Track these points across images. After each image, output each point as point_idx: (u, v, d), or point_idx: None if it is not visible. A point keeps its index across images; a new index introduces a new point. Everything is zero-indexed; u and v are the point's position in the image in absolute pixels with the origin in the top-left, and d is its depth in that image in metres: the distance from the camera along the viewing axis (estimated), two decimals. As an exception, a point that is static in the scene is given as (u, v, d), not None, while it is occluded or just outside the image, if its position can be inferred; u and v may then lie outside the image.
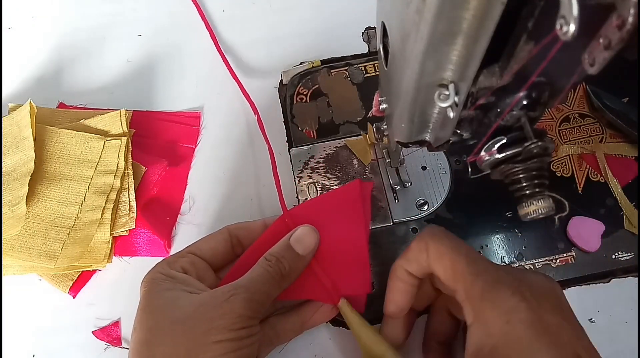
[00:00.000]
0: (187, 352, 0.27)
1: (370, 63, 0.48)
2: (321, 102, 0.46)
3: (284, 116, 0.46)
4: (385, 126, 0.35)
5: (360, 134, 0.44)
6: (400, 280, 0.32)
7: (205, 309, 0.28)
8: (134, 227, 0.40)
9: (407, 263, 0.31)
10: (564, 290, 0.28)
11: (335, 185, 0.42)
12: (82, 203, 0.39)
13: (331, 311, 0.35)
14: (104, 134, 0.42)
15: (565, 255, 0.39)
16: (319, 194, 0.41)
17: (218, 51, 0.49)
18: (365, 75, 0.47)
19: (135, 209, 0.41)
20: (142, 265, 0.41)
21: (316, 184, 0.42)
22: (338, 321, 0.38)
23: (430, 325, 0.35)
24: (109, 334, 0.38)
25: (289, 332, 0.35)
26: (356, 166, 0.42)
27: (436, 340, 0.34)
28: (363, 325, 0.33)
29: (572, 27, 0.15)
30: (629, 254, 0.39)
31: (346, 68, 0.48)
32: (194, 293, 0.30)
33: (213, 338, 0.27)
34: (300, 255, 0.33)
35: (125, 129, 0.43)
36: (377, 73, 0.47)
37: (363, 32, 0.50)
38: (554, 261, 0.39)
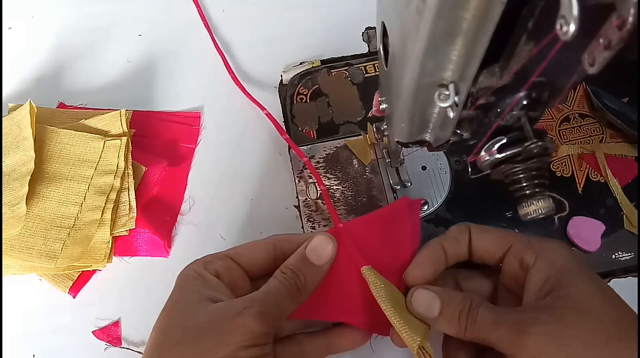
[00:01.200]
0: None
1: (370, 63, 0.48)
2: (321, 102, 0.46)
3: (284, 116, 0.46)
4: (385, 126, 0.35)
5: (360, 134, 0.44)
6: (433, 251, 0.32)
7: (218, 321, 0.27)
8: (134, 227, 0.40)
9: (445, 239, 0.32)
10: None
11: (335, 185, 0.42)
12: (82, 203, 0.39)
13: (362, 338, 0.34)
14: (104, 134, 0.42)
15: (565, 255, 0.39)
16: (318, 194, 0.41)
17: (219, 52, 0.49)
18: (365, 75, 0.47)
19: (135, 209, 0.41)
20: (142, 265, 0.41)
21: (316, 184, 0.42)
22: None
23: None
24: (109, 334, 0.38)
25: (314, 353, 0.33)
26: (356, 166, 0.42)
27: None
28: (396, 300, 0.30)
29: (572, 27, 0.15)
30: (629, 254, 0.39)
31: (346, 68, 0.48)
32: (217, 300, 0.29)
33: (221, 353, 0.26)
34: (316, 265, 0.31)
35: (125, 129, 0.43)
36: (377, 73, 0.47)
37: (363, 32, 0.50)
38: (554, 261, 0.39)
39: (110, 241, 0.40)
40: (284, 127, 0.46)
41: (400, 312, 0.29)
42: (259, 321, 0.27)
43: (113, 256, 0.40)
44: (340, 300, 0.32)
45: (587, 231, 0.39)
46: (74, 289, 0.40)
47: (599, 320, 0.26)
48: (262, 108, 0.43)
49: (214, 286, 0.30)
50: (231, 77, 0.47)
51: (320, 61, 0.48)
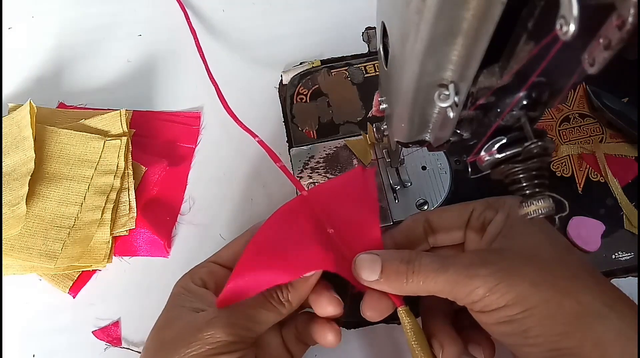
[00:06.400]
0: None
1: (370, 63, 0.48)
2: (321, 102, 0.46)
3: (284, 116, 0.46)
4: (385, 126, 0.35)
5: (360, 134, 0.44)
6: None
7: (188, 331, 0.27)
8: (134, 227, 0.40)
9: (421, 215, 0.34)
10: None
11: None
12: (82, 203, 0.39)
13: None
14: (104, 134, 0.42)
15: (565, 255, 0.39)
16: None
17: (203, 61, 0.47)
18: (365, 75, 0.47)
19: (135, 209, 0.41)
20: (142, 265, 0.41)
21: (316, 184, 0.42)
22: (338, 320, 0.38)
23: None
24: (109, 334, 0.38)
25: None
26: (356, 166, 0.42)
27: (441, 310, 0.32)
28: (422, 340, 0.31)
29: (572, 27, 0.15)
30: (629, 254, 0.39)
31: (346, 68, 0.48)
32: (198, 310, 0.29)
33: None
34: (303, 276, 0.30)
35: (125, 129, 0.43)
36: (377, 73, 0.47)
37: (363, 32, 0.50)
38: (554, 261, 0.39)
39: (110, 241, 0.40)
40: (284, 128, 0.46)
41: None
42: (224, 331, 0.27)
43: (113, 256, 0.40)
44: (307, 260, 0.30)
45: (587, 231, 0.39)
46: (74, 289, 0.40)
47: (545, 263, 0.27)
48: (254, 136, 0.41)
49: (200, 297, 0.30)
50: (224, 106, 0.44)
51: (320, 61, 0.48)
